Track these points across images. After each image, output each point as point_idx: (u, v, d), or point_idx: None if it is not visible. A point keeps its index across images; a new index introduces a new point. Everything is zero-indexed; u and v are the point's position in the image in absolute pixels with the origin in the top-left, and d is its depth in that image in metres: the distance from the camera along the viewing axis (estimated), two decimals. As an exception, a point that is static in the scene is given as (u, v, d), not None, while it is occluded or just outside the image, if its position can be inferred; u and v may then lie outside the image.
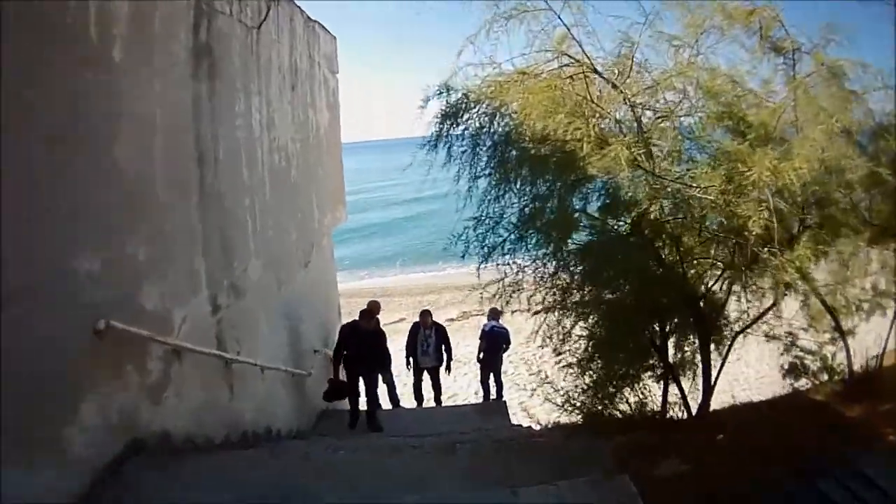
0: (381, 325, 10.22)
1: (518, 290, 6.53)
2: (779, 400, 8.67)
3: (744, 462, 5.51)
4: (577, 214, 5.87)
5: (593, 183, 5.62)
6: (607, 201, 5.79)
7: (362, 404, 8.34)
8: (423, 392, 10.89)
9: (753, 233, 4.89)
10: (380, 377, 10.09)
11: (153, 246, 4.47)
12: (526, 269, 6.36)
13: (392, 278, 28.30)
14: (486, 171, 5.76)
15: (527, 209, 5.84)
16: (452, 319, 19.45)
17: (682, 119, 5.82)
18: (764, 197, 4.70)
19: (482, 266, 6.33)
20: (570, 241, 5.97)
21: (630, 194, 5.20)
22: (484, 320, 19.26)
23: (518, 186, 5.77)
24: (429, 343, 10.50)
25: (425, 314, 10.77)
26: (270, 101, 7.22)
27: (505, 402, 10.35)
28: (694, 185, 4.85)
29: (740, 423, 7.38)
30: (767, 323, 7.08)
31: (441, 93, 5.58)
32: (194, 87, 5.23)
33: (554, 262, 6.14)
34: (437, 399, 10.78)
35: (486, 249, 6.07)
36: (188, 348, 4.78)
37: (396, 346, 17.31)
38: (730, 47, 5.83)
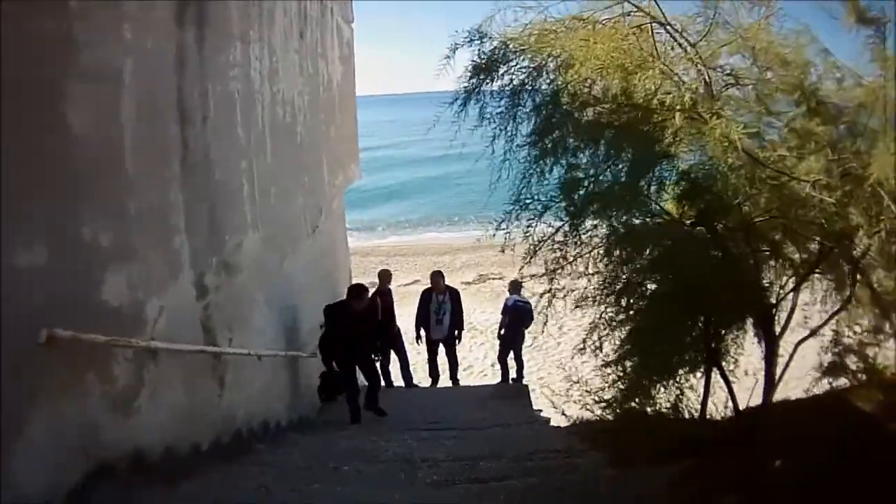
0: (393, 293, 9.49)
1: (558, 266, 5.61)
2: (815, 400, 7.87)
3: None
4: (643, 198, 4.94)
5: (673, 162, 4.69)
6: (685, 186, 4.83)
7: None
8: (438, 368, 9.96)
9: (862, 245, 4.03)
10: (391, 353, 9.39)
11: (118, 227, 3.65)
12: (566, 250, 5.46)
13: (407, 237, 27.41)
14: (529, 139, 4.82)
15: (578, 186, 4.94)
16: (468, 283, 18.65)
17: (750, 90, 4.84)
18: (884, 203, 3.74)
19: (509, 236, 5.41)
20: (626, 225, 5.06)
21: (725, 184, 4.27)
22: (502, 285, 18.82)
23: (567, 158, 4.85)
24: (444, 311, 9.38)
25: (437, 276, 9.64)
26: (274, 49, 6.30)
27: (527, 385, 9.58)
28: (804, 178, 3.89)
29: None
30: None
31: (473, 41, 4.57)
32: (178, 34, 4.33)
33: (606, 249, 5.26)
34: (454, 376, 9.87)
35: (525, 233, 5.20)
36: (162, 348, 3.99)
37: (410, 311, 16.70)
38: (810, 11, 4.77)
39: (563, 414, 8.74)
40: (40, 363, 3.05)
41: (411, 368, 10.08)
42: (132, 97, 3.73)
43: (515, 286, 9.86)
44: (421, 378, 12.24)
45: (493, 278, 19.12)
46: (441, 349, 9.70)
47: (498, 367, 10.67)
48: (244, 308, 5.53)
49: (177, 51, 4.29)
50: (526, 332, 10.12)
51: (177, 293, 4.35)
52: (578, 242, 5.64)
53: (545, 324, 5.62)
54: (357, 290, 7.16)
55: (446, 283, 9.67)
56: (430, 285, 9.63)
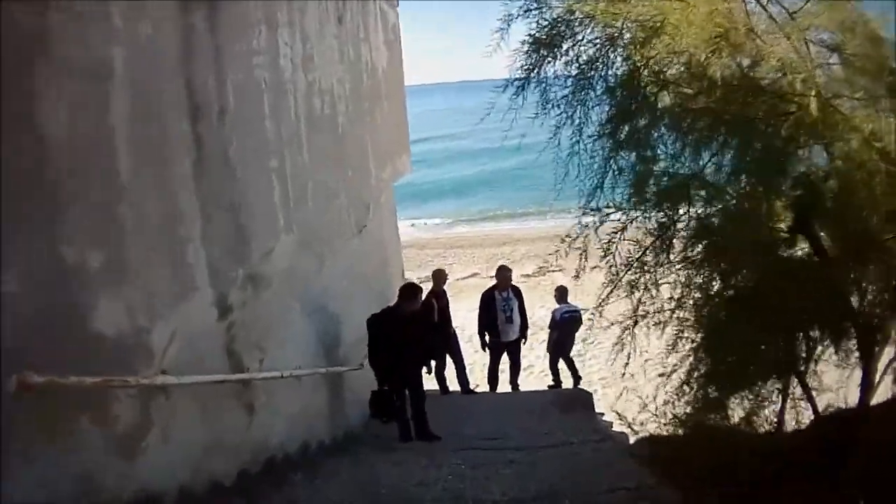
0: (448, 294, 8.88)
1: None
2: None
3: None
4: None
5: (790, 162, 3.87)
6: (800, 192, 4.00)
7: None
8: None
9: None
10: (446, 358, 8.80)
11: (111, 242, 3.13)
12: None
13: (465, 228, 26.74)
14: (602, 129, 4.09)
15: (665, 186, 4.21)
16: (528, 276, 17.90)
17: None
18: None
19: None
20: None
21: (852, 191, 3.46)
22: (562, 279, 17.99)
23: (650, 152, 4.13)
24: (511, 309, 8.67)
25: (504, 271, 8.99)
26: (307, 35, 5.72)
27: (590, 394, 8.81)
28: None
29: None
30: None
31: (530, 9, 3.82)
32: (184, 20, 3.78)
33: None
34: (514, 381, 9.22)
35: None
36: (168, 384, 3.46)
37: (467, 307, 16.07)
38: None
39: (630, 427, 7.96)
40: (21, 410, 2.56)
41: (467, 371, 9.48)
42: (125, 92, 3.18)
43: (562, 294, 9.50)
44: (478, 379, 11.65)
45: (554, 270, 18.27)
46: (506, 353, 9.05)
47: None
48: (276, 323, 4.99)
49: (182, 38, 3.73)
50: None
51: (192, 314, 3.82)
52: (661, 246, 4.99)
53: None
54: (410, 291, 6.51)
55: (509, 270, 9.19)
56: (492, 283, 9.00)
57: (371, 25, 8.11)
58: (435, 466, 5.13)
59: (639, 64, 3.62)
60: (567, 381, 10.06)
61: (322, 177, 6.10)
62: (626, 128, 3.96)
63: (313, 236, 5.77)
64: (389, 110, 9.12)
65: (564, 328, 9.30)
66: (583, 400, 7.96)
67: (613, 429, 7.82)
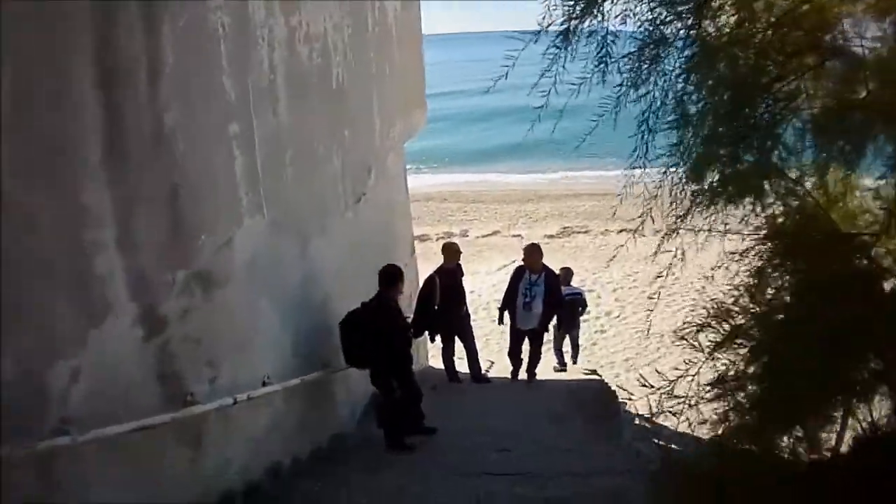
0: (463, 268, 7.94)
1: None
2: None
3: None
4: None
5: None
6: None
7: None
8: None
9: None
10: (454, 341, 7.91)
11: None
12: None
13: (485, 176, 25.51)
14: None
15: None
16: (551, 236, 16.85)
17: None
18: None
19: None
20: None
21: None
22: (588, 240, 16.94)
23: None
24: (534, 294, 7.52)
25: (533, 252, 7.74)
26: (291, -34, 4.66)
27: (613, 391, 7.85)
28: None
29: None
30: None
31: None
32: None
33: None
34: (531, 371, 8.11)
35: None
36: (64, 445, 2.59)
37: (486, 268, 15.12)
38: None
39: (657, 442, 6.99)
40: None
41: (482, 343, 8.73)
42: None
43: (567, 275, 9.25)
44: (492, 353, 10.80)
45: (579, 231, 17.25)
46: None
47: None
48: (236, 329, 4.09)
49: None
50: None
51: (105, 342, 2.93)
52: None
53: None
54: (389, 276, 5.62)
55: (538, 252, 7.81)
56: (521, 262, 7.88)
57: (380, -43, 6.95)
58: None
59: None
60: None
61: (307, 140, 5.12)
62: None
63: (293, 214, 4.82)
64: (402, 59, 7.99)
65: (569, 308, 8.79)
66: (607, 401, 7.00)
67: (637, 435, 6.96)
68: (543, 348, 8.38)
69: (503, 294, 8.07)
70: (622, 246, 4.56)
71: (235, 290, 4.03)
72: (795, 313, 4.60)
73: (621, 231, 18.11)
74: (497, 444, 5.67)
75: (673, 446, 7.17)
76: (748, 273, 4.72)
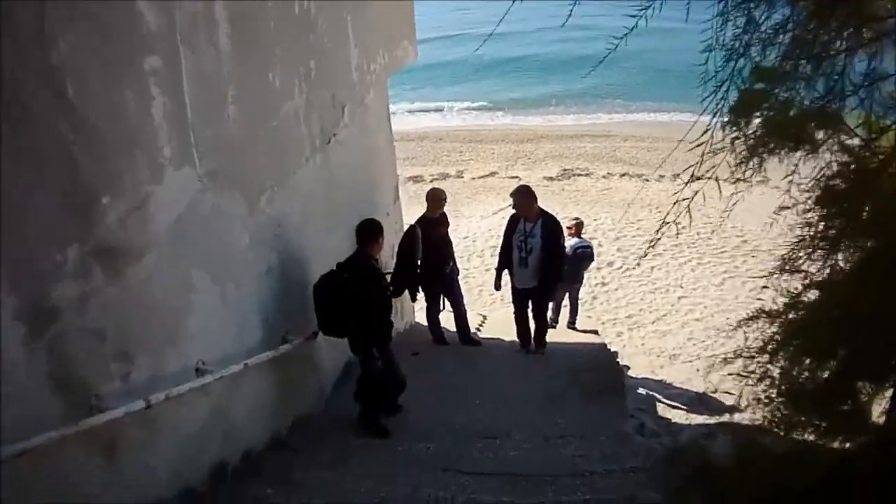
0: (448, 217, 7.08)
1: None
2: None
3: None
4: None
5: None
6: None
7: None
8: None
9: None
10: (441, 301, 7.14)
11: None
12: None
13: (485, 116, 24.22)
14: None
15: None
16: (551, 178, 15.94)
17: None
18: None
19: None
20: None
21: None
22: (590, 182, 15.96)
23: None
24: (530, 247, 6.45)
25: (521, 196, 6.54)
26: None
27: (623, 368, 7.07)
28: None
29: None
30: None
31: None
32: None
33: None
34: (539, 339, 7.02)
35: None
36: None
37: (480, 212, 14.18)
38: None
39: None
40: None
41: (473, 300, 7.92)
42: None
43: (579, 227, 8.53)
44: (486, 305, 10.09)
45: (580, 174, 16.33)
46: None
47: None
48: (158, 310, 3.29)
49: None
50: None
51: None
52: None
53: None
54: (367, 231, 4.87)
55: (541, 208, 6.60)
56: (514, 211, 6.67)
57: None
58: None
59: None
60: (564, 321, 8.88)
61: (257, 73, 4.20)
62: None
63: (237, 162, 3.95)
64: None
65: (575, 263, 8.03)
66: (611, 375, 6.24)
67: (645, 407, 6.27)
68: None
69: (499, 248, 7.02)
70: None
71: (156, 263, 3.20)
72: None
73: (624, 175, 17.32)
74: (484, 427, 4.98)
75: (673, 419, 6.54)
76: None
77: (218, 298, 3.81)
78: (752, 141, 3.46)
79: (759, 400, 4.04)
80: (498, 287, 7.01)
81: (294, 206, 4.77)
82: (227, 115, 3.83)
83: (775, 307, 4.01)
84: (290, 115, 4.66)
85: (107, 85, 2.86)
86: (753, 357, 4.40)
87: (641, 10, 3.04)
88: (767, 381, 4.05)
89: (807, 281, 3.88)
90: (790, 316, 3.93)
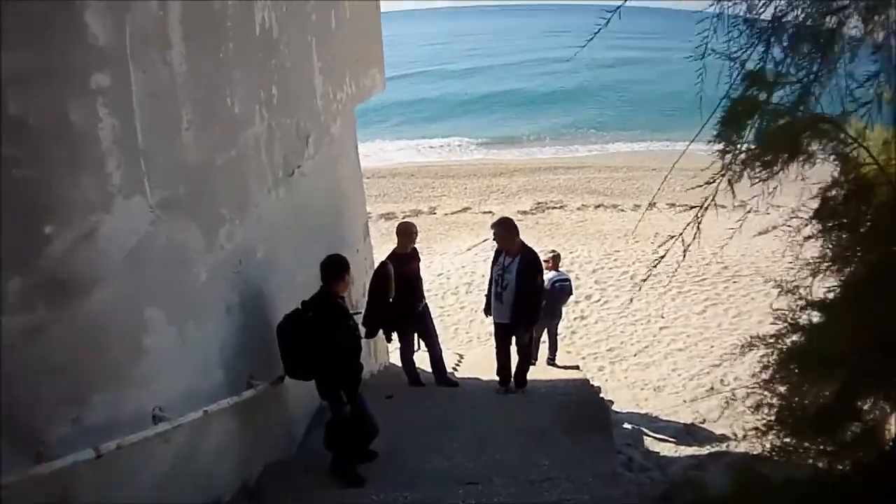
0: (420, 253, 6.81)
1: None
2: None
3: None
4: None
5: None
6: None
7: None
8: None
9: None
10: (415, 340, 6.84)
11: None
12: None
13: (457, 153, 24.26)
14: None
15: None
16: (525, 212, 15.87)
17: None
18: None
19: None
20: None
21: None
22: (564, 215, 15.89)
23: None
24: (505, 283, 6.18)
25: (502, 228, 6.23)
26: None
27: (605, 402, 6.76)
28: None
29: None
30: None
31: None
32: None
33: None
34: (518, 378, 6.64)
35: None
36: None
37: (454, 248, 14.00)
38: None
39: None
40: None
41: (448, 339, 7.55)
42: None
43: (556, 260, 8.33)
44: (462, 343, 9.81)
45: (554, 207, 16.29)
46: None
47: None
48: (110, 348, 3.01)
49: None
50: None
51: None
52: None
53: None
54: (331, 269, 4.54)
55: (524, 243, 6.32)
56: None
57: None
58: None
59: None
60: (543, 357, 8.51)
61: (215, 97, 3.97)
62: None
63: (194, 192, 3.69)
64: (352, 10, 6.83)
65: (552, 298, 7.84)
66: (595, 410, 5.94)
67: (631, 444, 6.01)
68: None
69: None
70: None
71: (107, 299, 2.93)
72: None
73: (599, 206, 17.33)
74: (465, 472, 4.66)
75: (661, 452, 6.29)
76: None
77: (175, 339, 3.50)
78: (743, 155, 3.31)
79: (756, 429, 3.84)
80: (487, 313, 6.70)
81: (257, 240, 4.50)
82: (182, 140, 3.57)
83: (768, 333, 3.84)
84: (250, 143, 4.41)
85: (51, 102, 2.63)
86: (747, 387, 4.21)
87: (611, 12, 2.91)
88: (765, 409, 3.86)
89: (802, 302, 3.72)
90: (790, 339, 3.77)
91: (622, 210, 15.69)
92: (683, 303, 10.80)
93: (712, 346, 9.23)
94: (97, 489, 2.90)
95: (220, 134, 4.02)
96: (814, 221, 3.32)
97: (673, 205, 15.91)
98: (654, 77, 31.98)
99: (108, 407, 2.99)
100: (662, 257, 3.61)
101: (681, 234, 3.85)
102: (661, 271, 11.78)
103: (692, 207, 3.56)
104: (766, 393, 3.92)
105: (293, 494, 4.26)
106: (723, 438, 6.53)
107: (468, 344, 9.88)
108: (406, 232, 6.46)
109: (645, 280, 3.84)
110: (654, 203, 13.30)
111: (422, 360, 6.95)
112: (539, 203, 16.48)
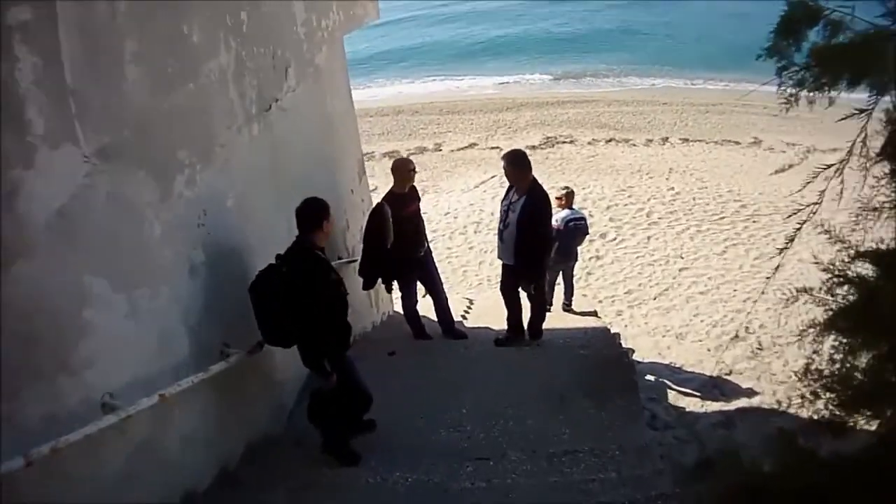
0: (419, 192, 6.21)
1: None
2: None
3: None
4: None
5: None
6: None
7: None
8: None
9: None
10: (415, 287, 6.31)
11: None
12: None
13: (460, 83, 23.23)
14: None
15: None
16: (534, 146, 15.11)
17: None
18: None
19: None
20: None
21: None
22: (574, 150, 15.12)
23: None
24: (509, 222, 5.61)
25: (510, 162, 5.65)
26: None
27: (628, 352, 6.25)
28: None
29: None
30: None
31: None
32: None
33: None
34: (533, 326, 6.17)
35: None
36: None
37: (461, 185, 13.41)
38: None
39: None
40: None
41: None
42: None
43: (569, 197, 7.51)
44: (471, 285, 9.33)
45: (564, 142, 15.55)
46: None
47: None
48: (39, 330, 2.50)
49: None
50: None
51: None
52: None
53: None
54: (308, 214, 3.90)
55: (536, 181, 5.64)
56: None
57: None
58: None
59: None
60: (558, 303, 7.93)
61: (168, 25, 3.34)
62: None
63: (142, 136, 3.10)
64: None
65: (567, 238, 7.24)
66: (620, 370, 5.38)
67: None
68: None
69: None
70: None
71: (34, 271, 2.43)
72: None
73: (610, 141, 16.56)
74: (474, 445, 4.20)
75: (687, 408, 5.85)
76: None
77: (124, 309, 2.97)
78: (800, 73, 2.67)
79: (803, 397, 3.32)
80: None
81: (226, 186, 3.92)
82: (125, 76, 2.97)
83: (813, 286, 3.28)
84: (214, 76, 3.78)
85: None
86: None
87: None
88: (814, 375, 3.35)
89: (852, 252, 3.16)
90: (839, 294, 3.22)
91: (634, 145, 14.95)
92: (703, 242, 10.19)
93: (735, 290, 8.68)
94: (43, 496, 2.47)
95: (175, 67, 3.40)
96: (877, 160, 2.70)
97: (686, 140, 15.28)
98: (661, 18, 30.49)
99: (44, 400, 2.53)
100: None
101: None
102: (678, 209, 11.19)
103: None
104: (814, 356, 3.37)
105: (279, 478, 3.80)
106: (750, 393, 6.09)
107: (478, 287, 9.39)
108: (402, 169, 5.81)
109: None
110: (668, 138, 12.57)
111: (428, 307, 6.45)
112: (548, 138, 15.71)
